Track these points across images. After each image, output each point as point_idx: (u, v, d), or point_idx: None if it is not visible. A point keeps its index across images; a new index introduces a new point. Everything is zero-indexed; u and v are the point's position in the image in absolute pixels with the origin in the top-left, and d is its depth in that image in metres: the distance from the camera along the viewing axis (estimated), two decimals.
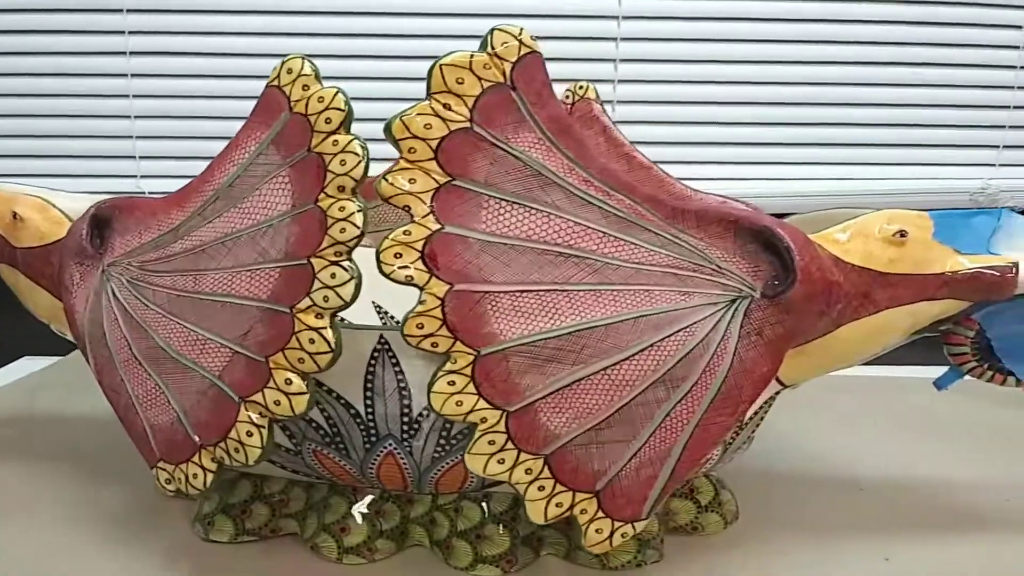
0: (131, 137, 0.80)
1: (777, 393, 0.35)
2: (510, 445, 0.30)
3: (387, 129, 0.28)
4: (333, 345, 0.29)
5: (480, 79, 0.28)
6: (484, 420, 0.29)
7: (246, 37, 0.79)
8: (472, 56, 0.28)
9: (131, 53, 0.78)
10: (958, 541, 0.39)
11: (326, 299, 0.29)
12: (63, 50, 0.78)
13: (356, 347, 0.31)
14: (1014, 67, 0.84)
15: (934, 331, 0.36)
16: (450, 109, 0.28)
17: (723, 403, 0.30)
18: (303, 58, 0.30)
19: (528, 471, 0.30)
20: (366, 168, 0.28)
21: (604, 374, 0.29)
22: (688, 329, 0.29)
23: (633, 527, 0.31)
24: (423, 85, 0.29)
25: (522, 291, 0.29)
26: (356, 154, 0.28)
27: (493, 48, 0.29)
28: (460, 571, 0.35)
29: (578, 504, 0.30)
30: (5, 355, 0.71)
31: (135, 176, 0.80)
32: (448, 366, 0.29)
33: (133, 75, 0.78)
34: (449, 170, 0.29)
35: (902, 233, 0.32)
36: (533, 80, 0.29)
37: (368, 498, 0.37)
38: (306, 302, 0.29)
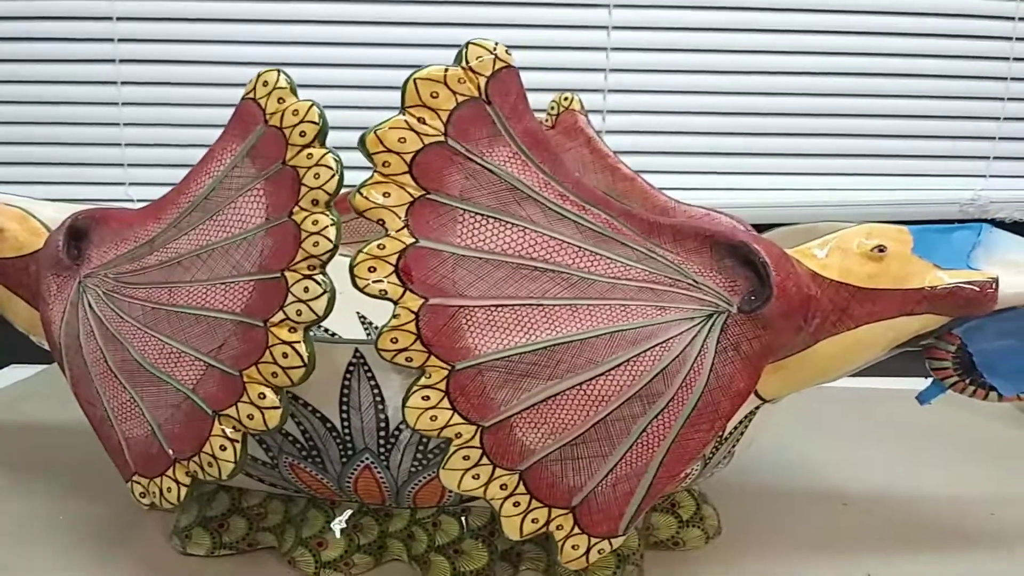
0: (120, 145, 0.79)
1: (757, 408, 0.35)
2: (485, 460, 0.29)
3: (361, 143, 0.28)
4: (306, 359, 0.28)
5: (455, 93, 0.28)
6: (459, 435, 0.29)
7: (236, 45, 0.79)
8: (447, 70, 0.28)
9: (120, 61, 0.78)
10: (942, 558, 0.39)
11: (299, 313, 0.28)
12: (52, 58, 0.77)
13: (331, 361, 0.31)
14: (1004, 78, 0.84)
15: (915, 346, 0.35)
16: (424, 123, 0.28)
17: (700, 419, 0.30)
18: (278, 71, 0.30)
19: (503, 487, 0.30)
20: (340, 181, 0.28)
21: (580, 389, 0.29)
22: (664, 344, 0.29)
23: (610, 543, 0.31)
24: None
25: (497, 305, 0.29)
26: (330, 167, 0.28)
27: (468, 62, 0.28)
28: None
29: (554, 520, 0.30)
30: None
31: (123, 184, 0.80)
32: (423, 381, 0.29)
33: (122, 83, 0.78)
34: (423, 184, 0.29)
35: (881, 248, 0.32)
36: (508, 94, 0.29)
37: (346, 512, 0.37)
38: (279, 316, 0.29)
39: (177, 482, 0.31)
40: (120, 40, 0.77)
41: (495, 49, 0.29)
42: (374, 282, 0.28)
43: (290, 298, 0.28)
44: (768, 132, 0.84)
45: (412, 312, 0.28)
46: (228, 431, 0.30)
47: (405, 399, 0.29)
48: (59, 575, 0.36)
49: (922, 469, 0.50)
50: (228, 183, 0.31)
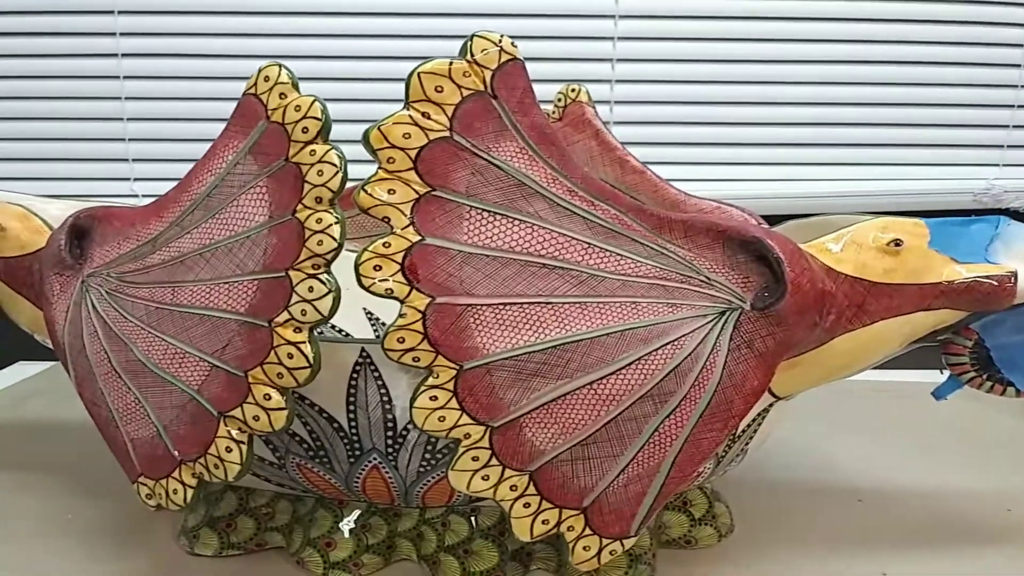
0: (124, 140, 0.79)
1: (771, 405, 0.34)
2: (494, 461, 0.29)
3: (365, 139, 0.27)
4: (312, 360, 0.28)
5: (460, 87, 0.28)
6: (468, 436, 0.29)
7: (239, 38, 0.78)
8: (451, 63, 0.28)
9: (123, 55, 0.77)
10: (959, 555, 0.38)
11: (304, 313, 0.28)
12: (55, 52, 0.77)
13: (338, 360, 0.31)
14: (1018, 66, 0.83)
15: (932, 341, 0.35)
16: (429, 118, 0.28)
17: (713, 418, 0.29)
18: (280, 66, 0.29)
19: (513, 488, 0.29)
20: (344, 179, 0.28)
21: (590, 388, 0.29)
22: (676, 342, 0.29)
23: (622, 544, 0.30)
24: None
25: (505, 304, 0.28)
26: (334, 164, 0.28)
27: (473, 55, 0.28)
28: None
29: (565, 521, 0.30)
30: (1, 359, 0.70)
31: (128, 179, 0.79)
32: (430, 381, 0.28)
33: (125, 77, 0.78)
34: (429, 180, 0.28)
35: (897, 242, 0.31)
36: (515, 88, 0.28)
37: (355, 512, 0.36)
38: (284, 316, 0.28)
39: (183, 484, 0.31)
40: (122, 34, 0.77)
41: (500, 42, 0.28)
42: (380, 281, 0.28)
43: (295, 298, 0.28)
44: (779, 122, 0.83)
45: (419, 311, 0.28)
46: (234, 432, 0.29)
47: (413, 399, 0.28)
48: (65, 574, 0.36)
49: (938, 464, 0.49)
50: (231, 180, 0.30)
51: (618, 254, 0.29)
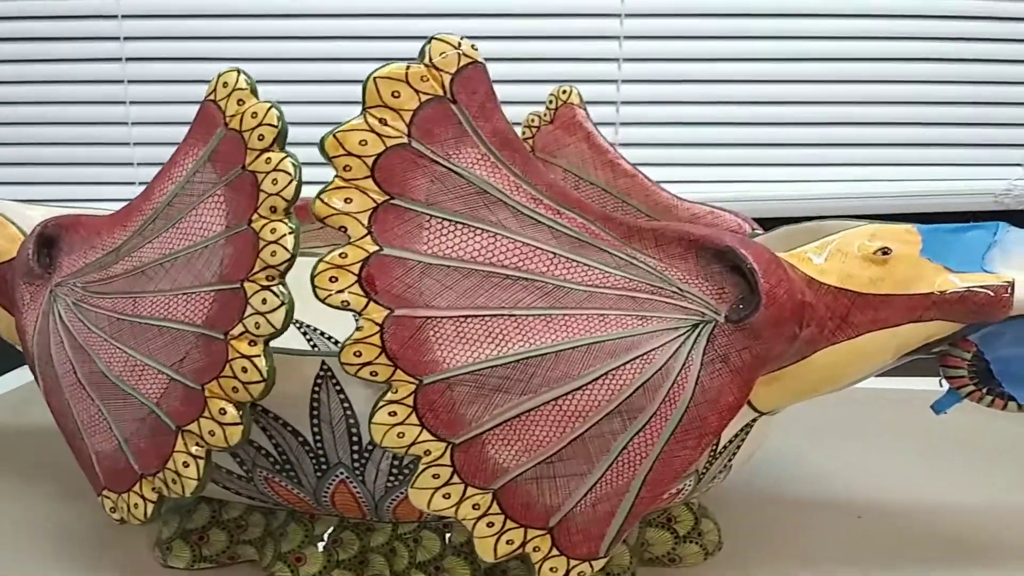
0: (128, 144, 0.79)
1: (754, 420, 0.33)
2: (456, 479, 0.28)
3: (321, 146, 0.27)
4: (265, 374, 0.27)
5: (417, 92, 0.27)
6: (428, 452, 0.28)
7: (243, 42, 0.78)
8: (408, 68, 0.27)
9: (127, 59, 0.77)
10: (963, 573, 0.36)
11: (258, 326, 0.27)
12: (58, 57, 0.77)
13: (299, 373, 0.30)
14: None
15: (928, 353, 0.33)
16: (386, 124, 0.27)
17: (686, 435, 0.28)
18: (239, 71, 0.29)
19: (476, 506, 0.28)
20: (298, 188, 0.27)
21: (555, 404, 0.27)
22: (646, 356, 0.27)
23: (591, 566, 0.29)
24: None
25: (467, 316, 0.27)
26: (288, 173, 0.27)
27: (431, 59, 0.27)
28: None
29: (530, 541, 0.29)
30: (2, 365, 0.71)
31: (133, 183, 0.80)
32: (389, 396, 0.27)
33: (129, 81, 0.78)
34: (387, 188, 0.27)
35: (885, 251, 0.30)
36: (475, 92, 0.27)
37: (329, 528, 0.35)
38: (239, 328, 0.27)
39: (143, 498, 0.30)
40: (126, 39, 0.77)
41: (460, 45, 0.27)
42: (336, 293, 0.27)
43: (249, 310, 0.27)
44: (792, 121, 0.81)
45: (376, 324, 0.27)
46: (191, 447, 0.29)
47: (371, 414, 0.27)
48: None
49: (939, 477, 0.47)
50: (190, 189, 0.30)
51: (585, 264, 0.28)
